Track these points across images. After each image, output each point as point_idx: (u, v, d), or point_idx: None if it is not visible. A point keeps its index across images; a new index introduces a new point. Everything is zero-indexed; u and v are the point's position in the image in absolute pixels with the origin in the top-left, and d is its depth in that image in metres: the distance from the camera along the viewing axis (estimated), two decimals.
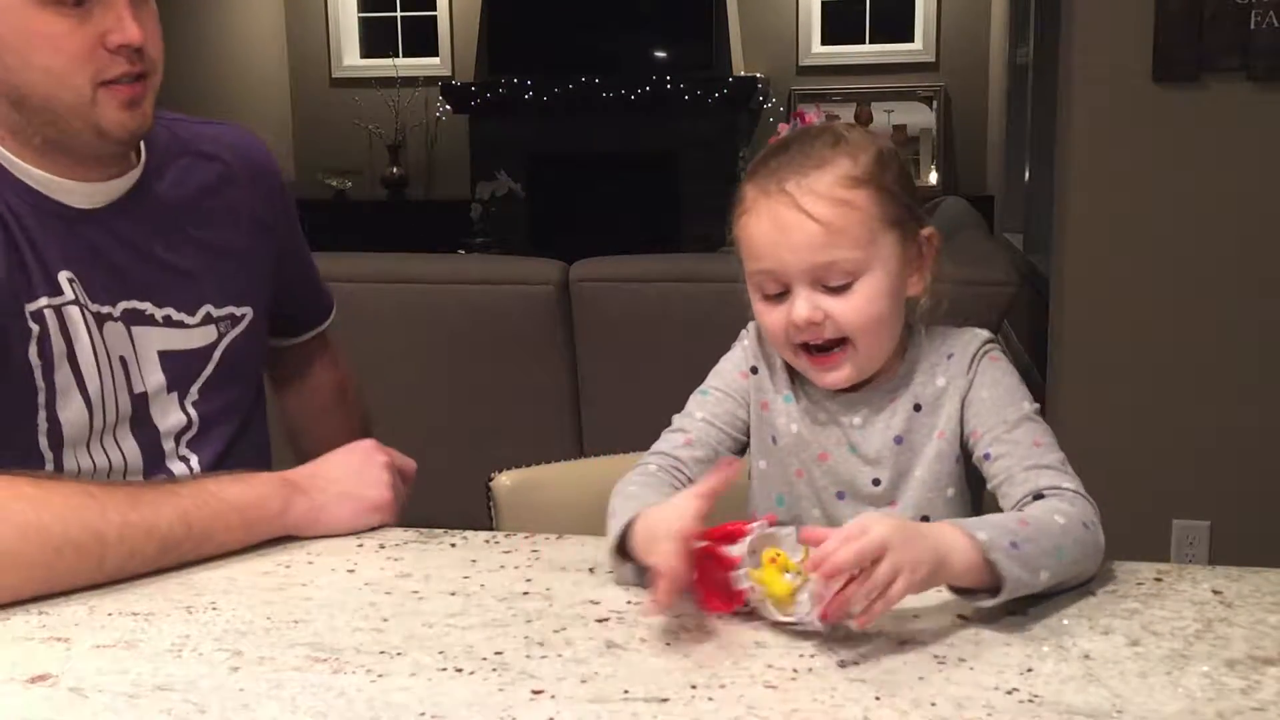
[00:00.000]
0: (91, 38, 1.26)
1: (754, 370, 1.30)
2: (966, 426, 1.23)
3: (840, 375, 1.22)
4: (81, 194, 1.34)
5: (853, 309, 1.18)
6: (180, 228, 1.42)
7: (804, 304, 1.18)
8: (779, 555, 1.03)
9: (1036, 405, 1.23)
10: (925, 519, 1.23)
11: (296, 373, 1.70)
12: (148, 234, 1.39)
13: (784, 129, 1.26)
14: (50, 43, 1.25)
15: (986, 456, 1.20)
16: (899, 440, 1.24)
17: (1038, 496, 1.14)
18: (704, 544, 1.04)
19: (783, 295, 1.20)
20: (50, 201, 1.32)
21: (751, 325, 1.31)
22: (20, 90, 1.27)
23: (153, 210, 1.40)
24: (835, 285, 1.18)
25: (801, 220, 1.16)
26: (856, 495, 1.26)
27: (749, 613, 1.05)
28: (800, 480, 1.28)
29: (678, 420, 1.31)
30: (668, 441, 1.29)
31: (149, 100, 1.33)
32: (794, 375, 1.28)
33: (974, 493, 1.27)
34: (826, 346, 1.21)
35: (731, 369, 1.31)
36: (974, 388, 1.23)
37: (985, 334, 1.27)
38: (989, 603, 1.03)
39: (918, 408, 1.24)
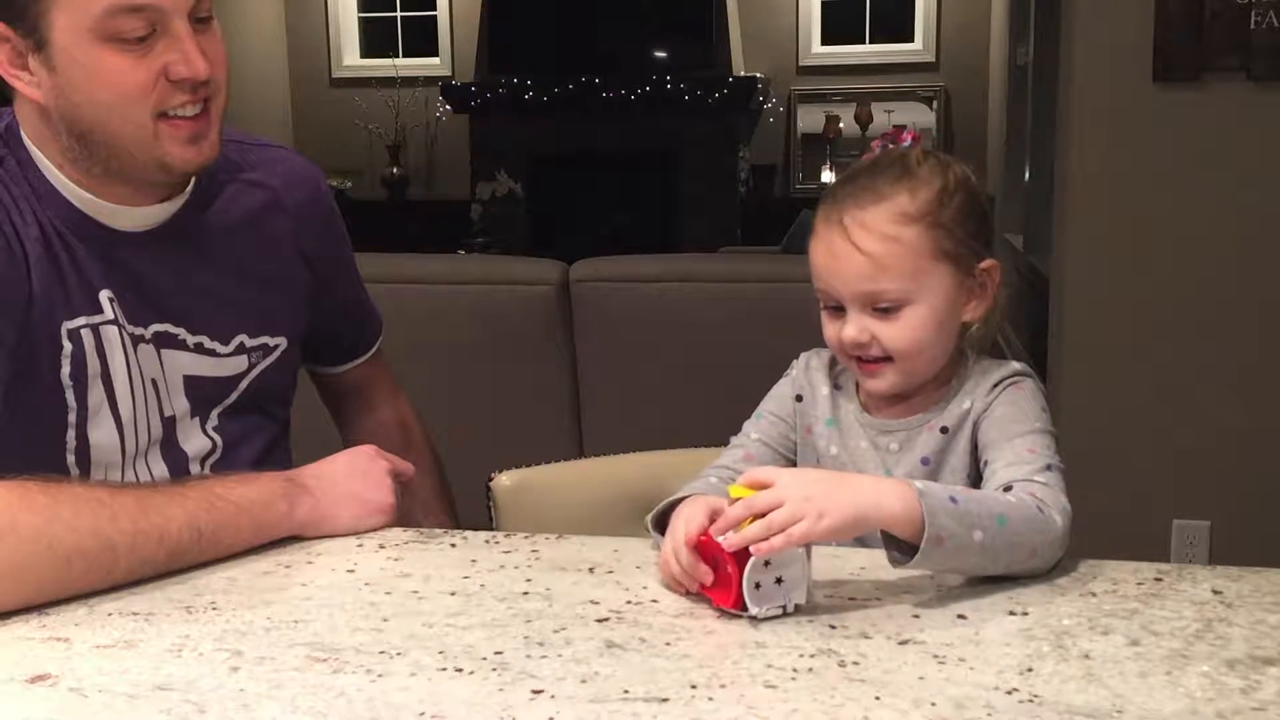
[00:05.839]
0: (154, 71, 1.25)
1: (799, 398, 1.38)
2: (980, 444, 1.27)
3: (883, 384, 1.29)
4: (127, 217, 1.34)
5: (897, 333, 1.26)
6: (222, 255, 1.41)
7: (853, 326, 1.27)
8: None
9: (1053, 430, 1.25)
10: None
11: (355, 406, 1.67)
12: (189, 260, 1.38)
13: (876, 145, 1.32)
14: (113, 78, 1.24)
15: (986, 464, 1.24)
16: (925, 461, 1.30)
17: (1006, 490, 1.16)
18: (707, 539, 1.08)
19: (840, 309, 1.28)
20: (94, 223, 1.32)
21: (799, 359, 1.41)
22: (83, 125, 1.27)
23: (196, 236, 1.39)
24: (883, 308, 1.25)
25: (850, 252, 1.24)
26: None
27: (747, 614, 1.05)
28: None
29: (735, 440, 1.39)
30: (728, 456, 1.36)
31: (214, 130, 1.32)
32: (835, 403, 1.36)
33: None
34: (872, 358, 1.28)
35: (782, 395, 1.40)
36: (990, 409, 1.27)
37: (1020, 366, 1.31)
38: (914, 561, 1.07)
39: (944, 430, 1.30)
